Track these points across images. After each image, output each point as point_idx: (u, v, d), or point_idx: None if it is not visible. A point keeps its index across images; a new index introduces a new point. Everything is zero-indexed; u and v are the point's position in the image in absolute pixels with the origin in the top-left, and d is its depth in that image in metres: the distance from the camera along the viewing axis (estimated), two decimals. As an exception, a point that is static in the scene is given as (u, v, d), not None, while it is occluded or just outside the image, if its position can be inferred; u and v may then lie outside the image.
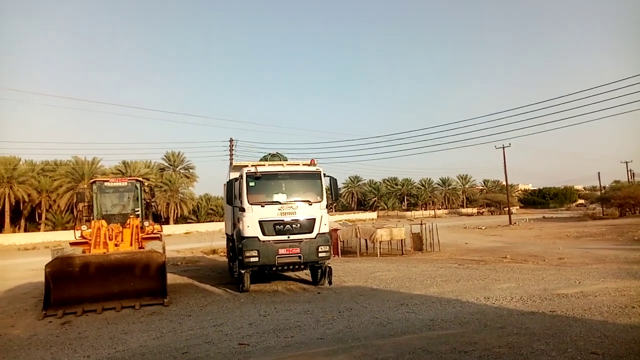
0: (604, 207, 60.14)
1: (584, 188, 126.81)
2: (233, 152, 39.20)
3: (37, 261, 24.45)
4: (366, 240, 23.51)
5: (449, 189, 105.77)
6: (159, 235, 13.93)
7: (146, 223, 13.82)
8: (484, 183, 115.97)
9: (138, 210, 14.11)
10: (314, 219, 12.29)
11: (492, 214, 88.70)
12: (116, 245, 12.44)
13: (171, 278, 14.76)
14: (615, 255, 18.13)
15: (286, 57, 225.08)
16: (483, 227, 44.22)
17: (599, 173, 72.73)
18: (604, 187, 73.68)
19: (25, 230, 55.57)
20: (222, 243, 27.18)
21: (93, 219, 13.52)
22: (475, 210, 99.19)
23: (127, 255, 11.17)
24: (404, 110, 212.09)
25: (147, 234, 13.53)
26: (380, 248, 22.85)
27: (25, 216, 57.24)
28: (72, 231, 13.80)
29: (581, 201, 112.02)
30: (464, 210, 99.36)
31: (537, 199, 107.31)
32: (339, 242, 23.50)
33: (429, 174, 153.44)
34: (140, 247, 12.74)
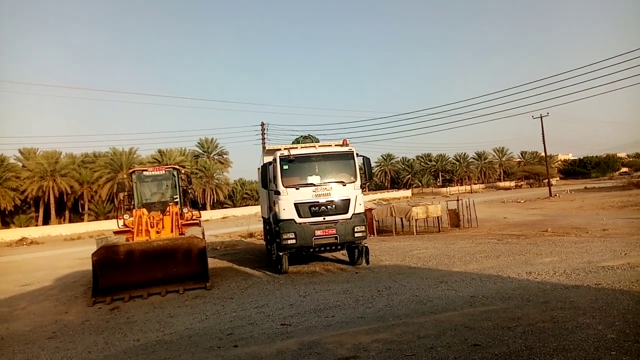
0: (649, 174, 57.78)
1: (628, 155, 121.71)
2: (265, 136, 39.38)
3: (83, 250, 25.52)
4: (401, 218, 23.39)
5: (485, 163, 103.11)
6: (198, 222, 14.18)
7: (185, 210, 14.13)
8: (522, 155, 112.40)
9: (176, 198, 14.35)
10: (349, 200, 12.33)
11: (531, 187, 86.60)
12: (158, 232, 12.73)
13: (211, 262, 15.01)
14: (664, 225, 17.52)
15: (312, 36, 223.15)
16: (522, 201, 43.26)
17: (644, 139, 69.66)
18: (650, 154, 70.55)
19: (70, 221, 57.85)
20: (258, 226, 27.47)
21: (134, 208, 13.90)
22: (513, 183, 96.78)
23: (169, 242, 11.41)
24: (435, 85, 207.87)
25: (187, 220, 13.81)
26: (416, 226, 22.72)
27: (69, 207, 59.58)
28: (115, 220, 14.21)
29: (625, 169, 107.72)
30: (501, 184, 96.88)
31: (578, 169, 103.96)
32: (374, 221, 23.41)
33: (464, 148, 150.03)
34: (181, 234, 12.98)
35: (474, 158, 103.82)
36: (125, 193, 15.46)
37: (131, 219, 13.22)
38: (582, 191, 51.96)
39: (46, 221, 56.09)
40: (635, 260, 10.18)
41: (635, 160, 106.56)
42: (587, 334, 5.51)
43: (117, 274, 11.00)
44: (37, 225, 53.65)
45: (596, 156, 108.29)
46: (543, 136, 50.97)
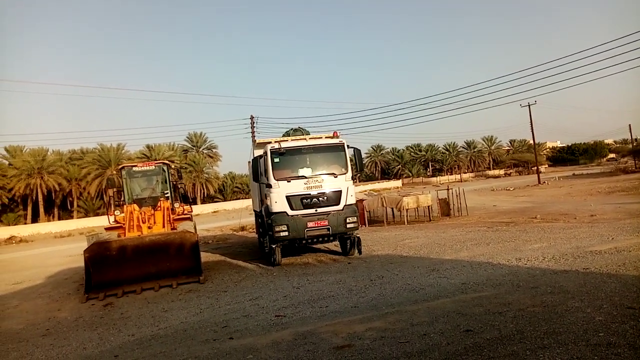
0: (636, 160, 58.48)
1: (615, 142, 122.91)
2: (255, 129, 39.40)
3: (74, 247, 25.34)
4: (392, 209, 23.51)
5: (474, 152, 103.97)
6: (189, 216, 14.21)
7: (176, 204, 14.10)
8: (511, 143, 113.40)
9: (167, 193, 14.37)
10: (340, 191, 12.45)
11: (520, 175, 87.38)
12: (149, 227, 12.75)
13: (204, 256, 15.10)
14: (650, 209, 17.75)
15: (301, 27, 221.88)
16: (511, 188, 43.61)
17: (630, 125, 70.52)
18: (636, 139, 71.42)
19: (59, 219, 57.35)
20: (250, 220, 27.58)
21: (125, 204, 13.86)
22: (502, 171, 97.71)
23: (161, 237, 11.42)
24: (425, 76, 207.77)
25: (178, 215, 13.81)
26: (407, 216, 22.86)
27: (57, 205, 59.00)
28: (105, 217, 14.13)
29: (612, 155, 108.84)
30: (490, 173, 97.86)
31: (566, 156, 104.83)
32: (365, 212, 23.52)
33: (453, 138, 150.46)
34: (173, 228, 13.02)
35: (463, 147, 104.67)
36: (115, 189, 15.37)
37: (122, 214, 13.21)
38: (571, 178, 52.55)
39: (35, 219, 55.52)
40: (622, 244, 10.32)
41: (622, 146, 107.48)
42: (576, 317, 5.61)
43: (109, 270, 10.98)
44: (25, 224, 53.09)
45: (584, 143, 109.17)
46: (531, 124, 51.38)
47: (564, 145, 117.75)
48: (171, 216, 13.31)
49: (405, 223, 22.30)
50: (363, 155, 13.53)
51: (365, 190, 42.41)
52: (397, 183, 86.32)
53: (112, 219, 13.70)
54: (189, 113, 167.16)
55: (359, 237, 13.16)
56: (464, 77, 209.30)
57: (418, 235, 16.46)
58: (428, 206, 22.96)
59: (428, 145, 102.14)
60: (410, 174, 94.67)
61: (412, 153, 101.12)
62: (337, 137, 12.96)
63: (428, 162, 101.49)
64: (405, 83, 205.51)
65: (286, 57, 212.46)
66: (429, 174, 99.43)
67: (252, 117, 39.76)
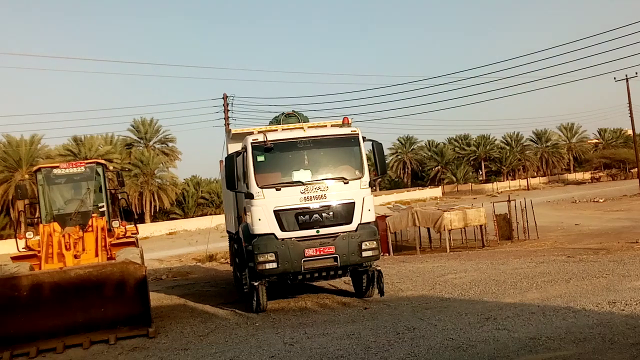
0: None
1: None
2: (229, 113, 39.20)
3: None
4: (428, 229, 23.70)
5: (547, 147, 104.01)
6: (133, 240, 14.10)
7: (115, 223, 14.03)
8: (599, 134, 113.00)
9: (102, 206, 14.34)
10: (353, 203, 12.42)
11: (613, 180, 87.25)
12: (76, 256, 12.64)
13: (156, 298, 14.91)
14: None
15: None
16: (601, 200, 43.51)
17: None
18: None
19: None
20: (222, 245, 27.16)
21: (41, 222, 13.74)
22: (588, 175, 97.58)
23: (93, 270, 11.31)
24: (472, 40, 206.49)
25: (118, 238, 13.74)
26: (450, 239, 22.87)
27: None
28: (11, 240, 14.11)
29: None
30: (571, 176, 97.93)
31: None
32: (389, 234, 23.61)
33: (516, 126, 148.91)
34: (110, 258, 12.92)
35: (531, 140, 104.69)
36: (27, 201, 15.37)
37: (37, 238, 13.13)
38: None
39: None
40: None
41: None
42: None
43: (17, 318, 10.85)
44: None
45: None
46: (630, 107, 51.28)
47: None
48: (108, 240, 13.26)
49: (448, 250, 22.29)
50: (386, 152, 13.57)
51: (390, 203, 42.49)
52: (436, 192, 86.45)
53: (22, 243, 13.58)
54: (134, 91, 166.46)
55: (380, 271, 13.02)
56: (531, 42, 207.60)
57: (466, 268, 16.46)
58: (480, 225, 23.07)
59: (480, 137, 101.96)
60: (455, 179, 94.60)
61: (456, 148, 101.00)
62: (349, 124, 12.95)
63: (480, 161, 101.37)
64: (444, 50, 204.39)
65: (275, 10, 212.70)
66: (481, 178, 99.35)
67: (225, 97, 39.56)
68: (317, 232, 12.23)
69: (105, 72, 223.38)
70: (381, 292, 12.99)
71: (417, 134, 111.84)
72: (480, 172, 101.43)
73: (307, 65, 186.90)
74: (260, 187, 12.16)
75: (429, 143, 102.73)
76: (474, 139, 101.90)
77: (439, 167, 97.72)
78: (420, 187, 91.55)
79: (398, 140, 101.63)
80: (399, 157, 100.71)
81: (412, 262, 19.66)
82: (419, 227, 23.41)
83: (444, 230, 22.37)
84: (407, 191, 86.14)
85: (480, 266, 16.59)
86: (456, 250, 22.12)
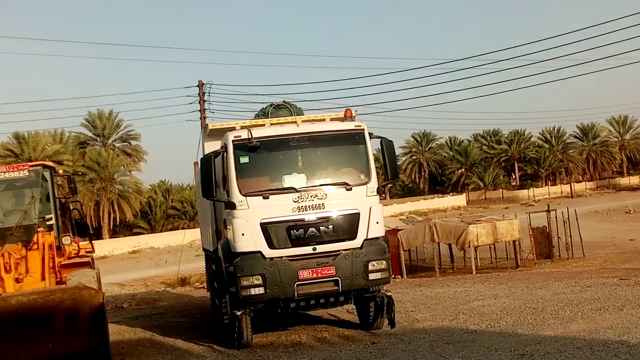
0: None
1: None
2: (205, 106, 37.45)
3: None
4: (450, 245, 23.34)
5: (595, 145, 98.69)
6: (88, 259, 13.37)
7: (66, 239, 13.20)
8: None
9: (50, 218, 13.46)
10: (358, 214, 11.47)
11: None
12: (18, 280, 11.73)
13: (116, 331, 14.60)
14: None
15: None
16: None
17: None
18: None
19: None
20: (197, 266, 26.70)
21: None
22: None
23: (39, 297, 10.46)
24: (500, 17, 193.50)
25: (69, 257, 13.08)
26: (476, 258, 22.50)
27: None
28: None
29: None
30: (624, 181, 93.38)
31: None
32: (401, 251, 23.10)
33: (556, 120, 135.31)
34: (60, 282, 12.25)
35: (575, 136, 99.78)
36: None
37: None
38: None
39: None
40: None
41: None
42: None
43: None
44: None
45: None
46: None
47: None
48: (57, 260, 12.50)
49: (473, 271, 21.93)
50: (398, 151, 12.39)
51: (403, 213, 41.34)
52: (459, 200, 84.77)
53: None
54: (90, 78, 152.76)
55: (390, 297, 11.95)
56: (578, 14, 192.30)
57: (496, 293, 15.76)
58: (513, 241, 22.65)
59: (513, 134, 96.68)
60: (482, 184, 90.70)
61: (484, 147, 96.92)
62: (353, 118, 12.16)
63: (513, 162, 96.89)
64: (469, 27, 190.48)
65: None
66: (514, 183, 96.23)
67: (201, 85, 37.74)
68: (314, 249, 11.33)
69: (54, 55, 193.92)
70: (392, 323, 12.01)
71: (436, 129, 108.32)
72: (513, 176, 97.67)
73: (301, 47, 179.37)
74: (243, 195, 11.27)
75: (450, 140, 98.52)
76: (506, 136, 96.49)
77: (463, 169, 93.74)
78: (440, 195, 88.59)
79: (412, 137, 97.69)
80: (414, 157, 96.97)
81: (430, 286, 18.98)
82: (439, 243, 22.98)
83: (469, 247, 21.77)
84: (424, 199, 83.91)
85: (513, 291, 15.91)
86: (484, 272, 21.73)
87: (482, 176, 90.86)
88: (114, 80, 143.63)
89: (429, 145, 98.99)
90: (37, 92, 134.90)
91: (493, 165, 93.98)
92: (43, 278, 12.05)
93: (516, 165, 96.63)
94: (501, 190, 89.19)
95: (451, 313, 13.56)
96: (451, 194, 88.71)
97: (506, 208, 44.96)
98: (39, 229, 12.62)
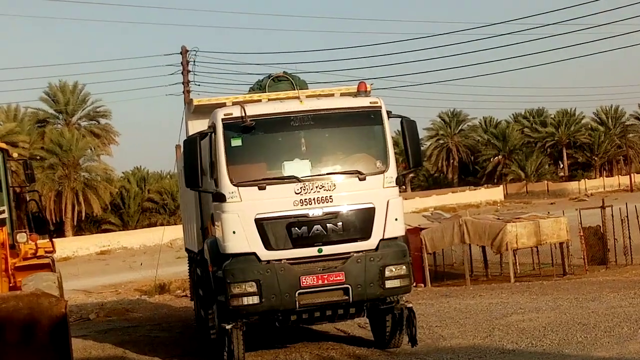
0: None
1: None
2: (190, 77, 35.41)
3: None
4: (483, 248, 22.78)
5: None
6: (48, 261, 12.66)
7: (21, 236, 12.36)
8: None
9: (2, 211, 12.43)
10: (373, 209, 10.60)
11: None
12: None
13: (80, 347, 13.97)
14: None
15: None
16: None
17: None
18: None
19: None
20: (178, 270, 25.82)
21: None
22: None
23: None
24: None
25: (25, 258, 12.33)
26: (515, 263, 21.81)
27: None
28: None
29: None
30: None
31: None
32: (425, 254, 22.38)
33: (611, 99, 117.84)
34: (14, 287, 11.61)
35: (636, 117, 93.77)
36: None
37: None
38: None
39: None
40: None
41: None
42: None
43: None
44: None
45: None
46: None
47: None
48: (10, 261, 11.76)
49: (512, 279, 21.04)
50: (422, 134, 10.95)
51: (427, 209, 39.92)
52: (495, 193, 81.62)
53: None
54: (50, 43, 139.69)
55: (411, 309, 11.16)
56: None
57: (539, 306, 15.06)
58: (561, 243, 21.84)
59: (561, 114, 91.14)
60: (523, 174, 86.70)
61: (526, 129, 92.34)
62: (368, 93, 11.20)
63: (561, 148, 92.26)
64: None
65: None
66: (562, 173, 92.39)
67: (184, 52, 35.56)
68: (319, 251, 10.48)
69: (3, 14, 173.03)
70: (413, 341, 11.08)
71: (468, 107, 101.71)
72: (561, 165, 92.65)
73: (306, 7, 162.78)
74: (235, 185, 10.49)
75: (485, 121, 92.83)
76: (552, 116, 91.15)
77: (500, 156, 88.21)
78: (472, 187, 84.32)
79: (439, 117, 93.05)
80: (441, 141, 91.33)
81: (458, 296, 18.59)
82: (470, 245, 22.14)
83: (507, 250, 20.70)
84: (453, 192, 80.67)
85: (559, 303, 15.21)
86: (524, 280, 20.83)
87: (523, 165, 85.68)
88: (79, 46, 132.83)
89: (460, 127, 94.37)
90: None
91: (537, 151, 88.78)
92: None
93: (564, 152, 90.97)
94: (546, 182, 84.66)
95: (484, 329, 12.84)
96: (485, 186, 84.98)
97: (552, 204, 43.74)
98: None
